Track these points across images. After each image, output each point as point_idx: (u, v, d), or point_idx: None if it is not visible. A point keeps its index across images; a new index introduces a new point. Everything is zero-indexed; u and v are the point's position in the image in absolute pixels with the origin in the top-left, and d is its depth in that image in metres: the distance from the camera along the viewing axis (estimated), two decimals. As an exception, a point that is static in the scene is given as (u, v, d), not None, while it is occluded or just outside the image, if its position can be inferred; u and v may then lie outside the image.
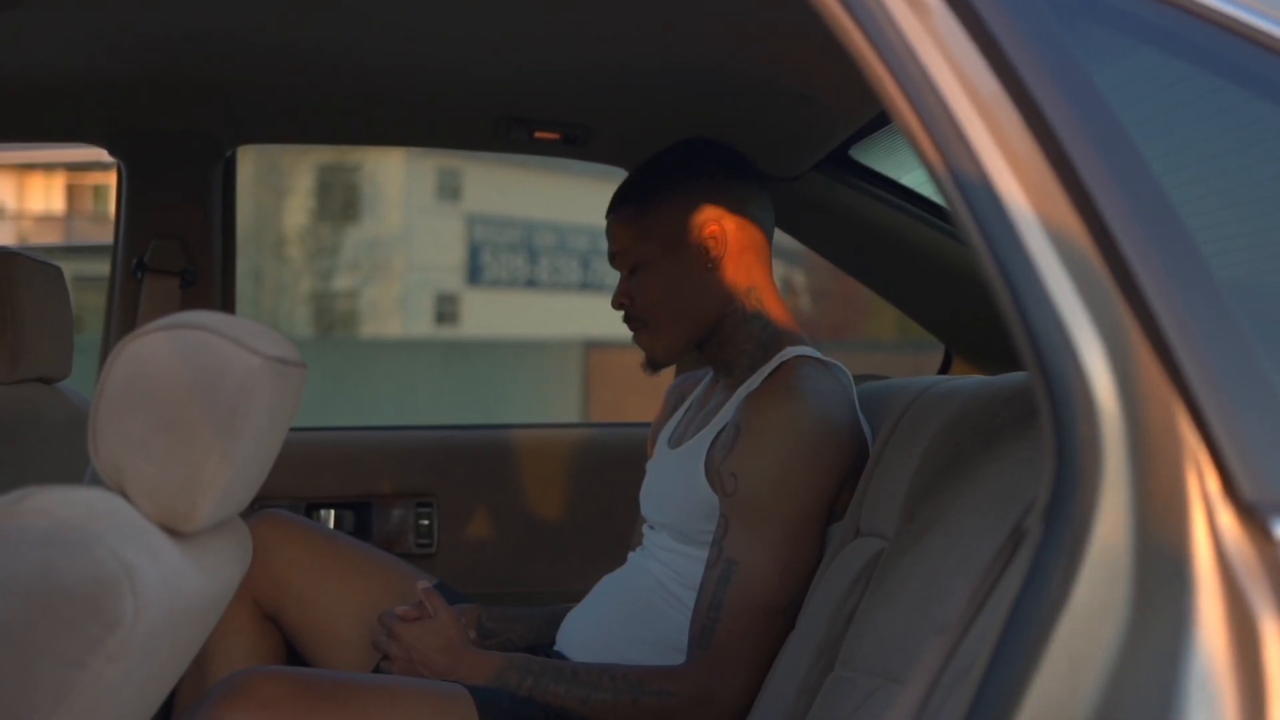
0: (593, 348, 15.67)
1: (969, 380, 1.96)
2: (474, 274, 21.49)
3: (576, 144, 2.65)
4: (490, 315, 20.90)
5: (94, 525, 1.23)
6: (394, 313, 21.27)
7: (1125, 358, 1.02)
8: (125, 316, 2.64)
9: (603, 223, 2.26)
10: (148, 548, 1.27)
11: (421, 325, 21.19)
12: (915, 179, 2.61)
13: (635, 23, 2.12)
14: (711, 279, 2.16)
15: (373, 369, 16.29)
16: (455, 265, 21.38)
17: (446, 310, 21.48)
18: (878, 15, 1.10)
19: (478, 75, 2.36)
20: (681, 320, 2.18)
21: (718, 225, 2.15)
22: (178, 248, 2.63)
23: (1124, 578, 1.00)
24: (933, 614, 1.54)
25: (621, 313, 2.23)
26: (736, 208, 2.17)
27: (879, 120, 2.34)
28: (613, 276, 2.24)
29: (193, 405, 1.29)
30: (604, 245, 2.26)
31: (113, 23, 2.17)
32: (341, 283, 20.91)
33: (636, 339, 2.24)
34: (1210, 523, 1.00)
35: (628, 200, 2.21)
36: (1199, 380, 1.02)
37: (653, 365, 2.26)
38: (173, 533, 1.33)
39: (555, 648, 2.24)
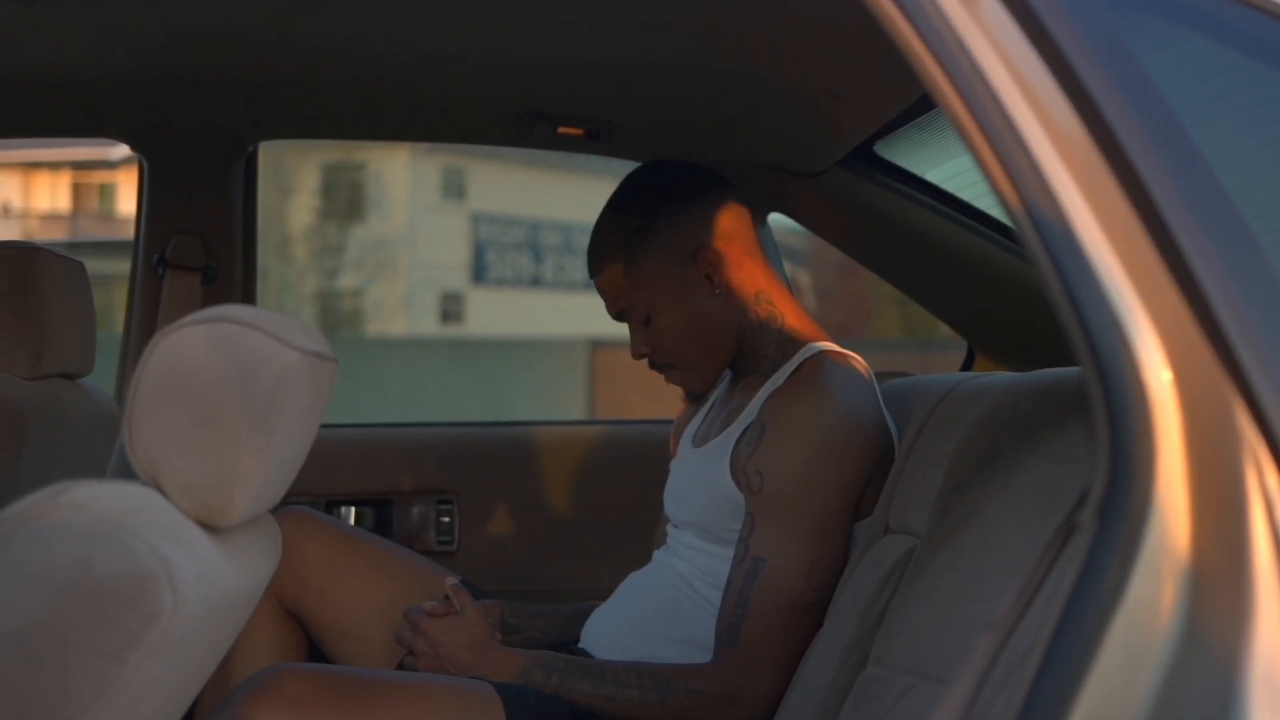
0: (599, 347, 15.67)
1: (1000, 377, 1.95)
2: (479, 273, 21.52)
3: (600, 140, 2.64)
4: (495, 314, 20.93)
5: (131, 520, 1.22)
6: (399, 311, 21.30)
7: (1181, 349, 1.01)
8: (146, 312, 2.63)
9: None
10: (184, 542, 1.26)
11: (426, 324, 21.22)
12: (940, 175, 2.60)
13: (660, 17, 2.10)
14: (721, 301, 2.13)
15: (378, 368, 16.29)
16: (460, 264, 21.40)
17: (451, 309, 21.51)
18: (926, 7, 1.09)
19: (501, 70, 2.35)
20: (709, 350, 2.16)
21: (707, 248, 2.12)
22: (199, 244, 2.63)
23: (1181, 574, 0.99)
24: (970, 611, 1.53)
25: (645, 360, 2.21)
26: (716, 222, 2.14)
27: (904, 116, 2.33)
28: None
29: (229, 400, 1.28)
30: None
31: (135, 18, 2.16)
32: (346, 281, 20.93)
33: (670, 379, 2.22)
34: (1270, 519, 0.99)
35: (608, 257, 2.18)
36: (1257, 373, 1.00)
37: (695, 398, 2.25)
38: (208, 528, 1.32)
39: (580, 645, 2.23)
